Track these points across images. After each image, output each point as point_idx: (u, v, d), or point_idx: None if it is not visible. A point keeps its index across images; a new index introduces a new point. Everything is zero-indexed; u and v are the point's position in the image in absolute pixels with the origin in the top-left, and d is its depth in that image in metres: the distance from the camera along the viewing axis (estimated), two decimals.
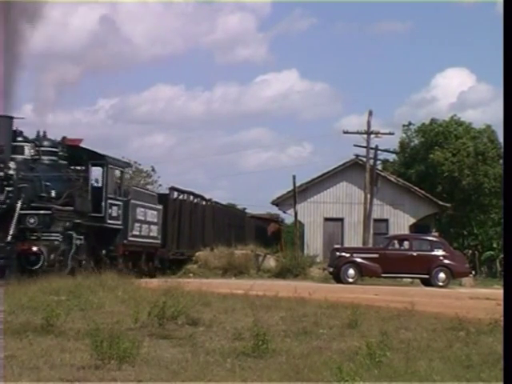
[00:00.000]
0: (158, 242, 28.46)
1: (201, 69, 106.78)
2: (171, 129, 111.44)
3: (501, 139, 47.63)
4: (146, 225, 26.94)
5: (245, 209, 51.79)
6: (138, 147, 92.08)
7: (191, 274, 30.68)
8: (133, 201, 25.65)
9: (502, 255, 46.09)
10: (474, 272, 36.00)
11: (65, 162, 22.85)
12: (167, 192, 32.16)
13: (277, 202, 40.28)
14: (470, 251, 50.62)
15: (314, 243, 38.61)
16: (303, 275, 31.00)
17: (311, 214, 39.39)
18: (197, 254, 33.34)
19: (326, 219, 39.59)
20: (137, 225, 25.98)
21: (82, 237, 21.96)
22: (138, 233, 26.04)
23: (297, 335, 10.75)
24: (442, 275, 26.94)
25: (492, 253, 53.18)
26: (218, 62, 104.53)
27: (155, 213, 28.15)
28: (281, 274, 31.28)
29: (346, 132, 38.80)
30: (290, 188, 37.06)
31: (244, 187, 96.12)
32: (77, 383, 7.26)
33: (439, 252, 27.48)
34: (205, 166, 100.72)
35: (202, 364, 8.34)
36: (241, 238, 40.19)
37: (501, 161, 47.56)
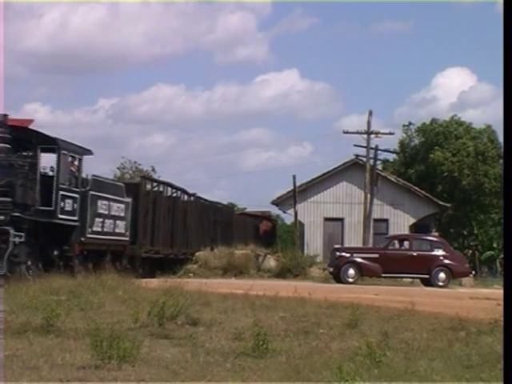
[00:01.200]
0: (127, 239, 25.15)
1: (201, 69, 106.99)
2: (171, 129, 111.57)
3: (501, 139, 47.68)
4: (111, 220, 23.59)
5: (238, 205, 50.27)
6: (137, 147, 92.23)
7: (191, 274, 30.66)
8: (92, 192, 22.17)
9: (502, 255, 46.13)
10: (473, 272, 36.03)
11: (7, 146, 19.42)
12: (138, 182, 29.19)
13: (277, 202, 40.31)
14: (470, 251, 50.64)
15: (314, 243, 38.63)
16: (303, 275, 31.00)
17: (311, 214, 39.41)
18: (197, 253, 33.31)
19: (326, 219, 39.61)
20: (98, 220, 22.55)
21: (22, 233, 18.68)
22: (99, 229, 22.65)
23: (297, 335, 10.75)
24: (442, 275, 26.95)
25: (492, 253, 53.18)
26: (218, 62, 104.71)
27: (122, 206, 24.70)
28: (281, 274, 31.28)
29: (346, 132, 38.88)
30: (290, 188, 37.06)
31: (244, 187, 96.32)
32: (77, 383, 7.25)
33: (439, 252, 27.49)
34: (205, 166, 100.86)
35: (202, 364, 8.34)
36: (228, 237, 38.76)
37: (501, 161, 47.58)
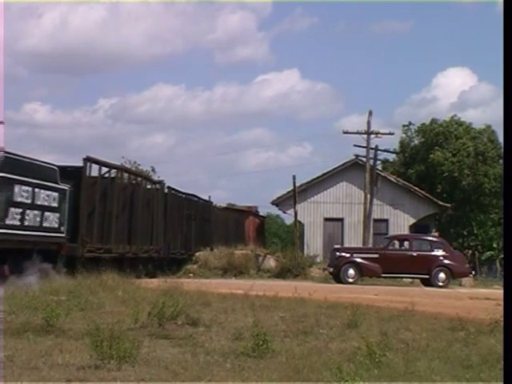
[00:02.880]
0: (62, 235, 20.56)
1: (201, 68, 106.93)
2: (171, 129, 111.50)
3: (501, 139, 47.69)
4: (36, 211, 19.02)
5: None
6: (137, 147, 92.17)
7: (191, 274, 30.70)
8: (3, 174, 17.59)
9: (502, 255, 46.11)
10: (473, 272, 36.00)
11: None
12: (81, 165, 22.12)
13: (277, 202, 40.31)
14: (470, 251, 50.60)
15: (314, 243, 38.63)
16: (303, 275, 31.01)
17: (311, 214, 39.41)
18: (196, 254, 33.29)
19: (326, 219, 39.61)
20: (14, 210, 18.01)
21: None
22: (16, 222, 18.11)
23: (297, 335, 10.75)
24: (442, 275, 26.96)
25: (492, 253, 53.18)
26: (218, 62, 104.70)
27: (55, 194, 20.03)
28: (281, 274, 31.29)
29: (345, 132, 38.87)
30: (290, 188, 37.07)
31: (244, 187, 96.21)
32: (77, 383, 7.25)
33: (439, 252, 27.49)
34: (205, 166, 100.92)
35: (202, 364, 8.34)
36: (206, 234, 35.56)
37: (501, 161, 47.59)
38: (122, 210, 24.65)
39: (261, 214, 52.65)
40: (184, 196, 33.21)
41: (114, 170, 24.26)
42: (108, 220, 23.35)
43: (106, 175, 23.71)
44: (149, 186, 28.54)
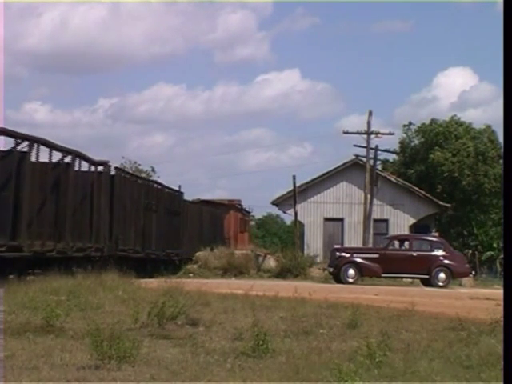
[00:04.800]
0: None
1: (201, 68, 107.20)
2: (171, 128, 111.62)
3: (501, 139, 47.68)
4: None
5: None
6: (137, 147, 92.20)
7: (191, 274, 30.68)
8: None
9: (502, 255, 46.08)
10: (473, 272, 36.00)
11: None
12: None
13: (277, 202, 40.33)
14: (470, 251, 50.58)
15: (314, 243, 38.64)
16: (303, 275, 31.01)
17: (311, 214, 39.42)
18: (197, 254, 33.25)
19: (326, 219, 39.62)
20: None
21: None
22: None
23: (297, 335, 10.74)
24: (442, 275, 26.95)
25: (492, 253, 53.13)
26: (218, 62, 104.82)
27: None
28: (281, 274, 31.29)
29: (346, 132, 38.91)
30: (290, 188, 37.07)
31: (244, 187, 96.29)
32: (77, 383, 7.25)
33: (439, 252, 27.49)
34: (205, 166, 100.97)
35: (202, 364, 8.34)
36: (172, 230, 30.69)
37: (501, 161, 47.59)
38: (42, 197, 19.18)
39: (246, 208, 48.08)
40: (141, 182, 27.69)
41: (26, 143, 18.04)
42: (20, 209, 17.88)
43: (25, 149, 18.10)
44: (92, 169, 22.49)
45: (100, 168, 23.03)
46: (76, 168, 21.12)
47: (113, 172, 24.13)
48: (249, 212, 49.34)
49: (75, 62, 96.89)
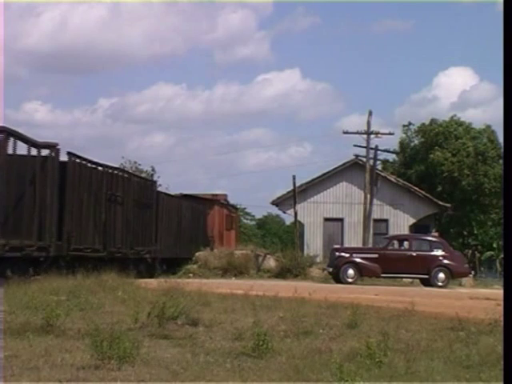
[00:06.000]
0: None
1: (201, 68, 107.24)
2: (171, 128, 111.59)
3: (501, 139, 47.68)
4: None
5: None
6: (137, 147, 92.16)
7: (191, 274, 30.69)
8: None
9: (502, 255, 46.10)
10: (473, 272, 36.03)
11: None
12: None
13: (277, 202, 40.32)
14: (470, 251, 50.63)
15: (314, 243, 38.64)
16: (303, 275, 31.02)
17: (311, 214, 39.42)
18: (196, 254, 33.22)
19: (326, 219, 39.62)
20: None
21: None
22: None
23: (297, 335, 10.74)
24: (441, 275, 26.96)
25: (492, 253, 53.21)
26: (218, 61, 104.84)
27: None
28: (281, 274, 31.31)
29: (345, 132, 38.92)
30: (290, 188, 37.07)
31: (244, 187, 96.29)
32: (77, 383, 7.25)
33: (439, 252, 27.49)
34: (205, 166, 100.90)
35: (202, 364, 8.34)
36: (144, 225, 27.35)
37: (501, 161, 47.60)
38: None
39: (232, 203, 44.98)
40: (102, 169, 23.42)
41: None
42: None
43: None
44: (36, 152, 19.23)
45: (46, 152, 19.64)
46: (10, 151, 17.83)
47: (65, 158, 20.66)
48: (236, 208, 46.65)
49: (75, 61, 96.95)
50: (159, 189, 34.77)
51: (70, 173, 20.83)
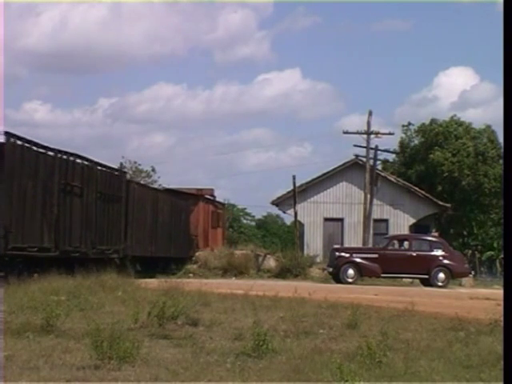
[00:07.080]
0: None
1: (201, 68, 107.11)
2: (171, 128, 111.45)
3: (501, 139, 47.67)
4: None
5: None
6: (137, 147, 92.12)
7: (191, 274, 30.68)
8: None
9: (502, 255, 46.10)
10: (473, 272, 36.02)
11: None
12: None
13: (277, 202, 40.33)
14: (470, 251, 50.62)
15: (314, 243, 38.65)
16: (303, 275, 31.04)
17: (311, 214, 39.42)
18: (197, 254, 33.20)
19: (326, 219, 39.62)
20: None
21: None
22: None
23: (297, 335, 10.74)
24: (441, 275, 26.97)
25: (492, 253, 53.21)
26: (218, 61, 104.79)
27: None
28: (281, 274, 31.33)
29: (345, 132, 38.92)
30: (290, 188, 37.09)
31: (244, 187, 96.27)
32: (77, 383, 7.25)
33: (439, 252, 27.50)
34: (205, 166, 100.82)
35: (202, 364, 8.33)
36: (110, 221, 23.81)
37: (501, 161, 47.59)
38: None
39: (219, 199, 41.72)
40: (53, 155, 20.04)
41: None
42: None
43: None
44: None
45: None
46: None
47: (1, 139, 17.81)
48: (223, 204, 43.27)
49: (75, 61, 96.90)
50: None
51: (9, 158, 17.67)
